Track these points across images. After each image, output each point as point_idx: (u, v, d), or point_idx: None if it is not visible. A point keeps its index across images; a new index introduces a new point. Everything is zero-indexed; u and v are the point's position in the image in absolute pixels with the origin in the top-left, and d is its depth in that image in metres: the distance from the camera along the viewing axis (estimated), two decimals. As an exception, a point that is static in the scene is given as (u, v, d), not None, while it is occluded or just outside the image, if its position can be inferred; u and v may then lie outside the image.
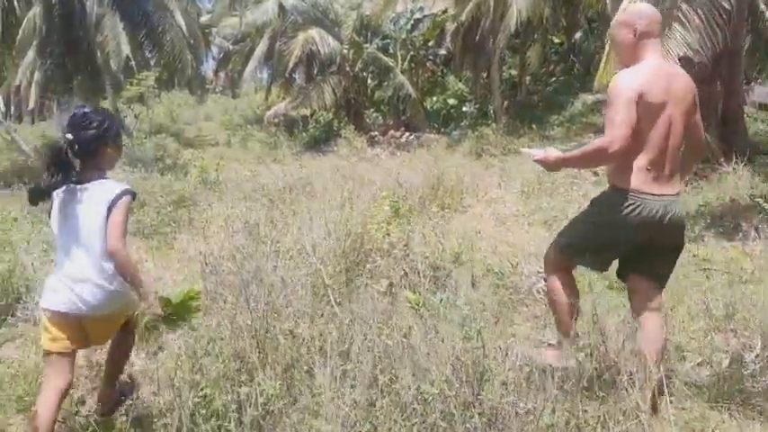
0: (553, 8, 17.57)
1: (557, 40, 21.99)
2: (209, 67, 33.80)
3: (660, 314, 2.99)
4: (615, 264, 3.12)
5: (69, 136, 2.56)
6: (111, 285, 2.55)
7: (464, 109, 18.57)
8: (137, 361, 3.40)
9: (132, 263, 2.59)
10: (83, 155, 2.58)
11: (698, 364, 3.35)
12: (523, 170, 9.18)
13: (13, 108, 29.68)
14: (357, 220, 4.69)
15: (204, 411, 2.38)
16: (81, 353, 2.94)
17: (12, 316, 4.14)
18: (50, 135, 16.58)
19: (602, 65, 9.47)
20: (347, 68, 18.64)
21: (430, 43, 20.71)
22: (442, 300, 3.23)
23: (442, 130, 17.52)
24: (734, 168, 8.08)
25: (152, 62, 16.85)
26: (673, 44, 7.84)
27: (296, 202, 7.13)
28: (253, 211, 6.00)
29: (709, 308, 3.83)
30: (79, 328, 2.59)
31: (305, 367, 2.66)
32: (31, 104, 20.76)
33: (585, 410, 2.40)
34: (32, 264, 4.60)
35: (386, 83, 18.22)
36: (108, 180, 2.66)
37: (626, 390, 2.41)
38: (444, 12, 18.80)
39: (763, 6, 10.59)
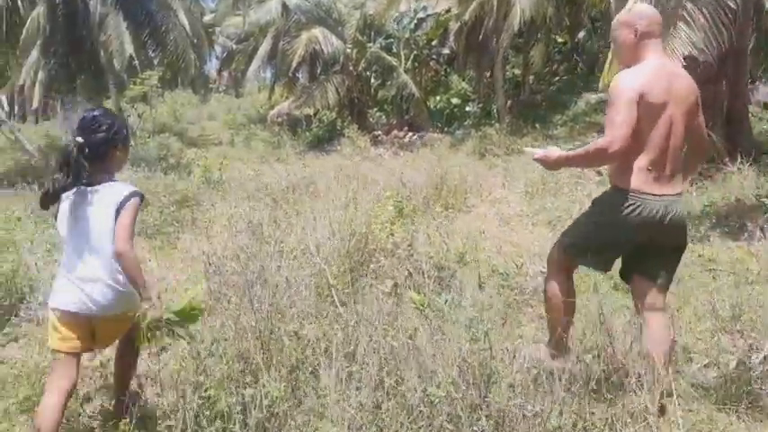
0: (556, 7, 17.51)
1: (560, 40, 21.91)
2: (212, 67, 33.86)
3: (665, 315, 2.98)
4: (619, 265, 3.11)
5: (80, 139, 2.58)
6: (120, 286, 2.56)
7: (467, 108, 18.51)
8: (140, 362, 3.38)
9: (138, 265, 2.60)
10: (93, 158, 2.60)
11: (705, 365, 3.32)
12: (527, 170, 9.14)
13: (16, 107, 29.75)
14: (361, 220, 4.68)
15: (208, 413, 2.37)
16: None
17: (15, 316, 4.13)
18: (54, 134, 16.62)
19: (606, 64, 9.42)
20: (350, 68, 18.63)
21: (433, 42, 20.67)
22: (446, 301, 3.22)
23: (446, 129, 17.47)
24: (739, 168, 8.04)
25: (155, 61, 16.85)
26: (678, 43, 7.79)
27: (299, 201, 7.12)
28: (256, 211, 6.00)
29: (716, 309, 3.81)
30: (88, 328, 2.60)
31: (310, 369, 2.65)
32: (35, 104, 20.84)
33: (593, 413, 2.38)
34: (36, 264, 4.59)
35: (389, 82, 18.20)
36: (117, 182, 2.69)
37: (634, 392, 2.39)
38: (448, 11, 18.75)
39: (768, 5, 10.53)
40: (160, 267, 5.05)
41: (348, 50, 18.41)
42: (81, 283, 2.54)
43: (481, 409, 2.22)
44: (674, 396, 2.49)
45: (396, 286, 3.81)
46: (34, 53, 16.38)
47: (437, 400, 2.22)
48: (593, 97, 17.09)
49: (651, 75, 2.82)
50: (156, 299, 2.58)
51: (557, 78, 21.89)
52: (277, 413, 2.37)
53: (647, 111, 2.75)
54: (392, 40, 19.92)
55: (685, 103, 2.86)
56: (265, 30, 22.79)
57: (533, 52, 19.43)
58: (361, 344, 2.62)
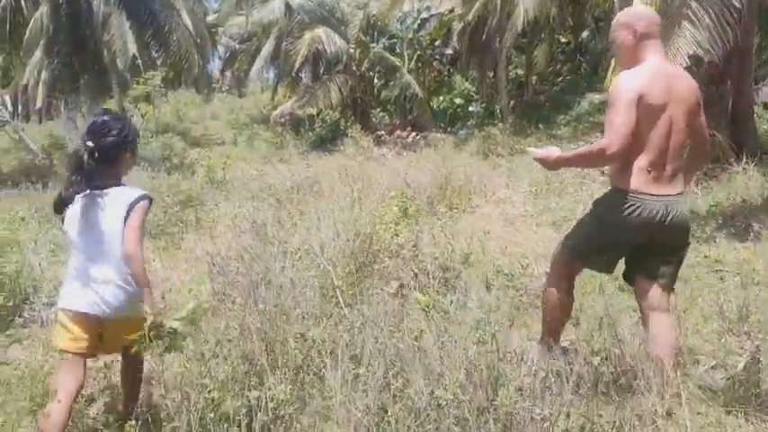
0: (560, 7, 17.47)
1: (563, 40, 21.87)
2: (215, 67, 33.84)
3: (670, 315, 2.96)
4: (622, 266, 3.10)
5: (90, 143, 2.61)
6: (131, 287, 2.58)
7: (471, 108, 18.48)
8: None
9: (144, 268, 2.60)
10: (103, 161, 2.63)
11: (712, 367, 3.30)
12: (531, 170, 9.10)
13: (20, 107, 29.78)
14: (365, 220, 4.66)
15: (213, 415, 2.35)
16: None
17: (19, 317, 4.12)
18: (58, 134, 16.62)
19: (611, 64, 9.38)
20: (354, 68, 18.60)
21: (437, 43, 20.62)
22: (452, 302, 3.20)
23: (449, 129, 17.44)
24: (744, 168, 8.00)
25: (158, 61, 16.83)
26: (682, 42, 7.74)
27: (303, 201, 7.11)
28: (260, 211, 5.99)
29: (723, 310, 3.79)
30: (98, 330, 2.61)
31: (315, 370, 2.63)
32: (39, 104, 20.80)
33: (601, 415, 2.36)
34: (40, 264, 4.59)
35: (392, 82, 18.14)
36: (126, 186, 2.72)
37: (642, 394, 2.37)
38: (451, 11, 18.72)
39: (773, 4, 10.47)
40: (164, 268, 5.04)
41: (351, 50, 18.39)
42: (93, 284, 2.56)
43: (489, 412, 2.20)
44: (683, 398, 2.47)
45: (401, 287, 3.79)
46: (38, 53, 16.37)
47: (444, 403, 2.20)
48: (596, 97, 17.05)
49: (650, 76, 2.82)
50: (158, 303, 2.58)
51: (560, 78, 21.85)
52: (282, 416, 2.36)
53: (647, 112, 2.75)
54: (395, 40, 19.87)
55: (686, 104, 2.86)
56: (268, 30, 22.77)
57: (536, 52, 19.37)
58: (367, 346, 2.61)
